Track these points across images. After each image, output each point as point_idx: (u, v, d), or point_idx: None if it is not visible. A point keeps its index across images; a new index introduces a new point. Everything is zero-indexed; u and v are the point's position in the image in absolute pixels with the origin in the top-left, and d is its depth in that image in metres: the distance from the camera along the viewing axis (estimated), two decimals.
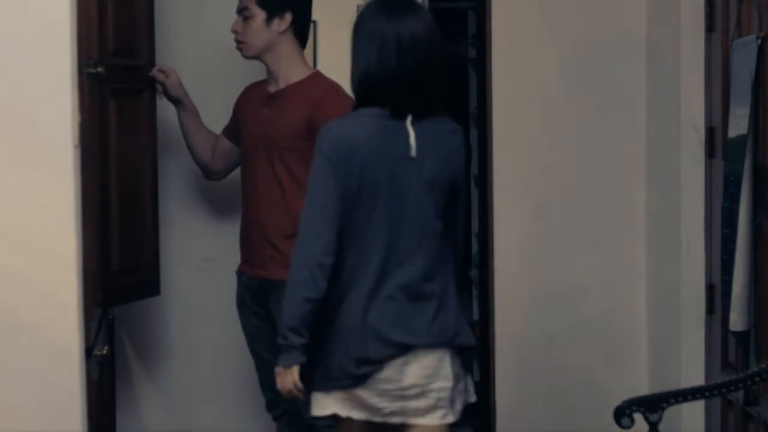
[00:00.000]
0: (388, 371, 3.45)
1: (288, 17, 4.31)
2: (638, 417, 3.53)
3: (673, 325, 4.62)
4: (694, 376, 4.47)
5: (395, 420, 3.50)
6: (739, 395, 4.03)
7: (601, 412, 3.87)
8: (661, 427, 3.53)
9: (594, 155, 4.91)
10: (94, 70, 3.64)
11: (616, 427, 3.54)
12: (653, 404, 3.54)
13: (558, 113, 4.90)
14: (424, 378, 3.47)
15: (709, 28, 4.45)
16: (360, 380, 3.44)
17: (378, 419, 3.49)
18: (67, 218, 3.22)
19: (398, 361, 3.45)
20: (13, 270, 3.21)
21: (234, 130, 4.49)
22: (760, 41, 3.93)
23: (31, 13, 3.20)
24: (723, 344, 4.35)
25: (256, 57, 4.36)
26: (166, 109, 4.50)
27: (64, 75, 3.22)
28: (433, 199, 3.50)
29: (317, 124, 4.05)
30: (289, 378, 3.46)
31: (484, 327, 5.05)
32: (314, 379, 3.49)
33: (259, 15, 4.31)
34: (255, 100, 4.40)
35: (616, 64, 4.89)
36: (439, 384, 3.49)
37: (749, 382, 3.67)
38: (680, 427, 4.43)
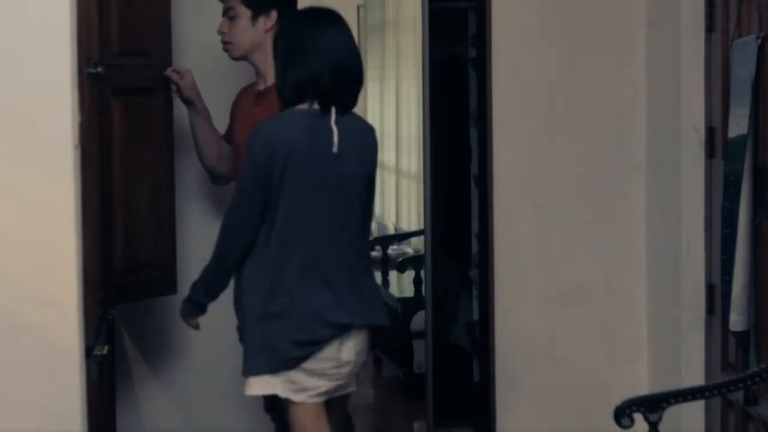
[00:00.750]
0: (328, 351, 3.80)
1: (273, 15, 4.33)
2: (638, 417, 3.53)
3: (673, 325, 4.62)
4: (694, 376, 4.47)
5: (321, 399, 3.84)
6: (739, 395, 4.04)
7: (601, 412, 3.87)
8: (661, 427, 3.53)
9: (594, 155, 4.91)
10: (94, 70, 3.63)
11: (616, 427, 3.54)
12: (653, 404, 3.54)
13: (558, 113, 4.90)
14: (356, 355, 3.87)
15: (709, 28, 4.45)
16: (299, 361, 3.76)
17: (312, 400, 3.81)
18: (67, 218, 3.22)
19: (336, 342, 3.81)
20: (13, 270, 3.21)
21: (232, 133, 4.51)
22: (760, 41, 3.93)
23: (31, 13, 3.20)
24: (723, 344, 4.35)
25: (243, 57, 4.39)
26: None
27: (64, 75, 3.22)
28: (354, 192, 3.86)
29: None
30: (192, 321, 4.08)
31: (484, 327, 5.04)
32: (253, 363, 3.80)
33: (245, 14, 4.33)
34: (247, 101, 4.42)
35: (616, 65, 4.89)
36: (361, 359, 3.91)
37: (749, 382, 3.67)
38: (680, 427, 4.43)
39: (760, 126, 3.99)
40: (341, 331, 3.81)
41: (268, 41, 4.34)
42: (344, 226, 3.84)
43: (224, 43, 4.40)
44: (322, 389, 3.82)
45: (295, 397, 3.80)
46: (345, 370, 3.84)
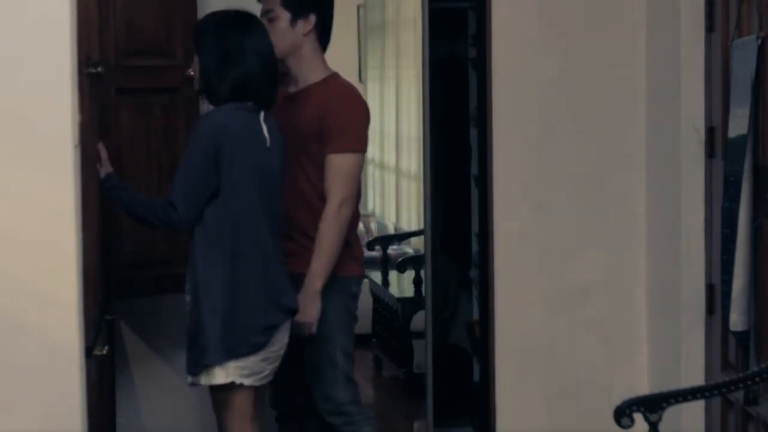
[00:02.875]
0: (279, 334, 4.03)
1: (312, 19, 4.33)
2: (638, 417, 3.53)
3: (672, 325, 4.62)
4: (694, 376, 4.47)
5: (264, 382, 4.04)
6: (739, 395, 4.04)
7: (601, 412, 3.87)
8: (661, 427, 3.53)
9: (594, 155, 4.91)
10: (94, 70, 3.64)
11: (616, 427, 3.54)
12: (653, 404, 3.54)
13: (558, 113, 4.90)
14: (288, 338, 4.07)
15: (709, 28, 4.45)
16: (259, 347, 3.96)
17: (257, 384, 4.00)
18: (67, 218, 3.22)
19: (285, 325, 4.05)
20: (13, 270, 3.21)
21: None
22: (760, 41, 3.93)
23: (31, 13, 3.20)
24: (723, 344, 4.35)
25: (279, 60, 4.37)
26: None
27: (64, 75, 3.22)
28: (279, 182, 4.13)
29: (328, 126, 4.12)
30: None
31: (484, 327, 5.04)
32: (212, 353, 3.92)
33: (284, 16, 4.33)
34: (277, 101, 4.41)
35: (616, 64, 4.89)
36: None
37: (749, 382, 3.67)
38: (680, 427, 4.42)
39: (760, 126, 3.99)
40: (290, 314, 4.07)
41: (305, 45, 4.34)
42: (275, 214, 4.09)
43: None
44: (267, 372, 4.02)
45: (246, 381, 3.96)
46: (281, 353, 4.05)
